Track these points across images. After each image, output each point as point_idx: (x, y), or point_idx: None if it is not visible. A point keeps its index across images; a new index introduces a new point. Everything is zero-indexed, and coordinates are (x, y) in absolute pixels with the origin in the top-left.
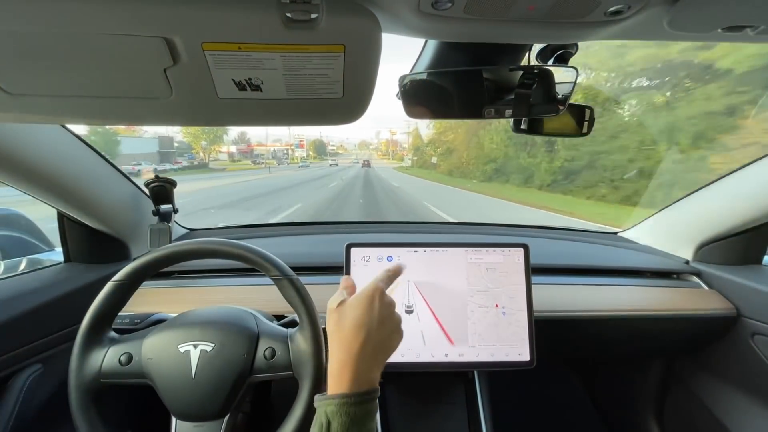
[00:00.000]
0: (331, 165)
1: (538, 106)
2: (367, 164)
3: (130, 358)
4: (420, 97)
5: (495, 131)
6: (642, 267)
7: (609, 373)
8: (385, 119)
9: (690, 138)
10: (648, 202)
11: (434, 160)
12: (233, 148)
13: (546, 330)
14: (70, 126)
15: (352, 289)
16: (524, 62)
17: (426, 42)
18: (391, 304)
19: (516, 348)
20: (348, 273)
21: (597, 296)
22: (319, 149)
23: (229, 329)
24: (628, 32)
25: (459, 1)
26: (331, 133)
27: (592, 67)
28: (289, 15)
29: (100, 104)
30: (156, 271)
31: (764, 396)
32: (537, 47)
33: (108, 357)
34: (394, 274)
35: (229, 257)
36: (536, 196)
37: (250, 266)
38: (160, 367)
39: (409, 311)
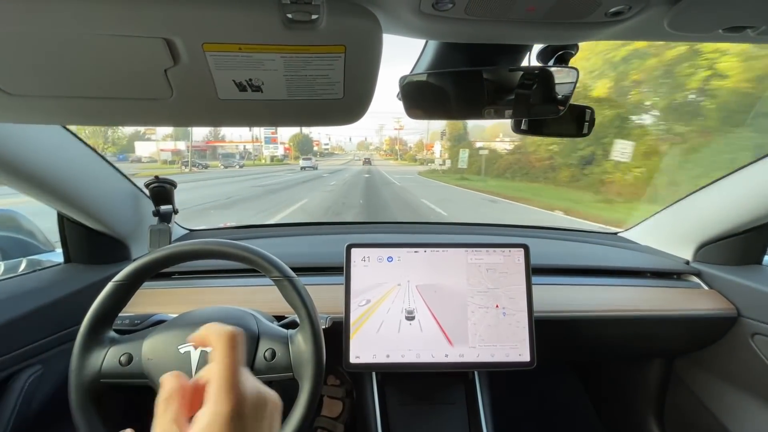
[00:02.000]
0: (304, 168)
1: (538, 107)
2: (368, 162)
3: (130, 359)
4: (420, 97)
5: None
6: (642, 267)
7: (609, 373)
8: (385, 115)
9: None
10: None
11: (623, 151)
12: (181, 144)
13: (546, 330)
14: (70, 126)
15: (183, 402)
16: (524, 63)
17: (426, 43)
18: (264, 399)
19: (516, 348)
20: (348, 273)
21: (597, 296)
22: (303, 147)
23: None
24: (628, 33)
25: (460, 1)
26: (326, 132)
27: None
28: (289, 16)
29: (100, 105)
30: (156, 271)
31: (764, 396)
32: (537, 48)
33: (108, 357)
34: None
35: (230, 258)
36: None
37: (251, 267)
38: (161, 367)
39: (410, 317)
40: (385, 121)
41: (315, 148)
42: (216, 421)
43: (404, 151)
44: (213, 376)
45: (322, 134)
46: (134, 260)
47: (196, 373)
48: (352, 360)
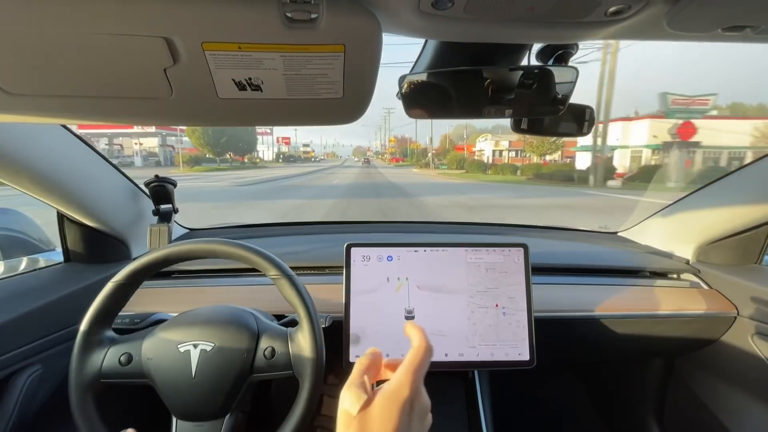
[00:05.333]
0: None
1: (538, 106)
2: (367, 162)
3: (130, 358)
4: (420, 97)
5: None
6: (642, 267)
7: (609, 373)
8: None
9: None
10: None
11: None
12: None
13: (546, 330)
14: (70, 126)
15: (375, 371)
16: (524, 62)
17: (426, 42)
18: (427, 409)
19: (516, 348)
20: (348, 272)
21: (597, 296)
22: (230, 141)
23: (229, 329)
24: (628, 32)
25: (459, 1)
26: (315, 133)
27: None
28: (289, 15)
29: (100, 104)
30: (156, 271)
31: (764, 396)
32: (537, 47)
33: (108, 357)
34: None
35: (229, 257)
36: None
37: (250, 266)
38: (160, 367)
39: (410, 317)
40: (395, 104)
41: (284, 148)
42: (396, 398)
43: (441, 153)
44: (406, 364)
45: (300, 131)
46: (134, 259)
47: (195, 371)
48: (352, 359)
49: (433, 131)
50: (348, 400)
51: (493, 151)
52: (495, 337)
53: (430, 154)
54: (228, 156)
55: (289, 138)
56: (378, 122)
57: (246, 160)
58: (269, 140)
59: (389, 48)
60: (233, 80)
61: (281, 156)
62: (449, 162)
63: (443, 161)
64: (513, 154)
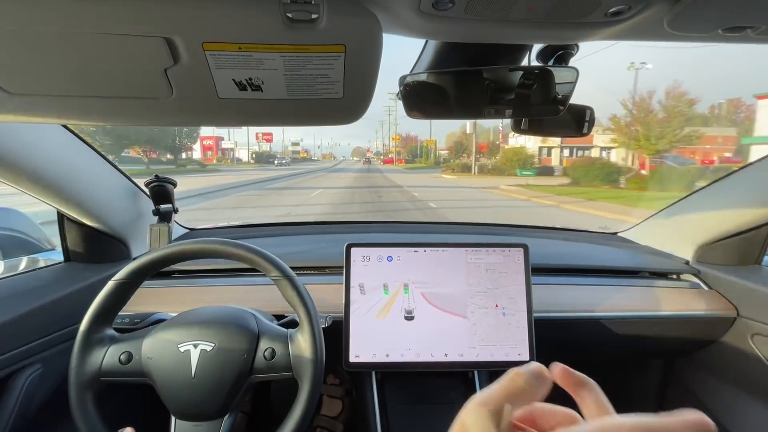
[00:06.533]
0: None
1: (538, 107)
2: (368, 162)
3: (130, 357)
4: (421, 97)
5: None
6: (642, 267)
7: (608, 373)
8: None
9: None
10: None
11: None
12: None
13: (545, 330)
14: (70, 126)
15: (527, 401)
16: (524, 62)
17: (426, 42)
18: None
19: (516, 348)
20: (348, 273)
21: (597, 297)
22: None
23: (229, 329)
24: (628, 33)
25: (459, 1)
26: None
27: None
28: (289, 15)
29: (100, 104)
30: (156, 270)
31: (764, 396)
32: (537, 47)
33: (108, 356)
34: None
35: (229, 257)
36: None
37: (250, 266)
38: (160, 366)
39: (410, 317)
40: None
41: (265, 146)
42: None
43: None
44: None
45: (296, 131)
46: (134, 259)
47: (195, 371)
48: (352, 359)
49: (438, 128)
50: (472, 418)
51: (540, 148)
52: (495, 338)
53: (474, 152)
54: (142, 153)
55: (270, 134)
56: (381, 117)
57: (216, 159)
58: (243, 136)
59: (389, 47)
60: (233, 80)
61: (254, 156)
62: (506, 161)
63: (490, 162)
64: (567, 152)
